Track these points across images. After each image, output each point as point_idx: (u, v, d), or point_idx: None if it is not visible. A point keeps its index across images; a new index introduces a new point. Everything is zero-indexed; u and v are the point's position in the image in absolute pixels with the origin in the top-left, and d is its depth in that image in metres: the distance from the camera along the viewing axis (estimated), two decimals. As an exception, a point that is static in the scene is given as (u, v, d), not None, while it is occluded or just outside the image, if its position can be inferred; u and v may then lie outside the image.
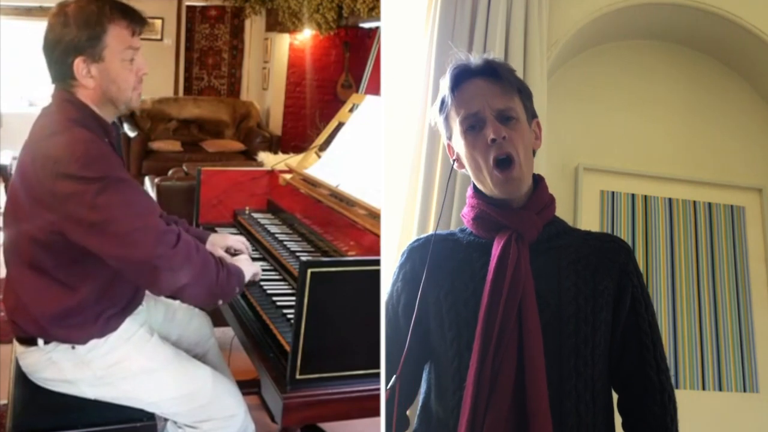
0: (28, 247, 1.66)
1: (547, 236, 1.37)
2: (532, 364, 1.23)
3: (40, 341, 1.70)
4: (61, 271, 1.65)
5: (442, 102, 1.41)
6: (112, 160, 1.60)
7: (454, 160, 1.44)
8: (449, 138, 1.43)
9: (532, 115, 1.42)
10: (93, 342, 1.70)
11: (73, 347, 1.70)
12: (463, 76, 1.38)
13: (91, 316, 1.69)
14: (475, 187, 1.41)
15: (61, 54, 1.64)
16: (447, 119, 1.41)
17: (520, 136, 1.35)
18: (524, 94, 1.41)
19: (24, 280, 1.69)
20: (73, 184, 1.54)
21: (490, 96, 1.35)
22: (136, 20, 1.70)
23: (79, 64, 1.63)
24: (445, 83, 1.39)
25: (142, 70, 1.72)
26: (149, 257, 1.55)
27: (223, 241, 2.12)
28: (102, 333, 1.71)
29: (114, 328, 1.74)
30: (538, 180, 1.42)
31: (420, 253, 1.42)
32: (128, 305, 1.77)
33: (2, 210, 1.81)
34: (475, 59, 1.40)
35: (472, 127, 1.35)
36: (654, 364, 1.36)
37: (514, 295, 1.27)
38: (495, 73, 1.37)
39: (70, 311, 1.67)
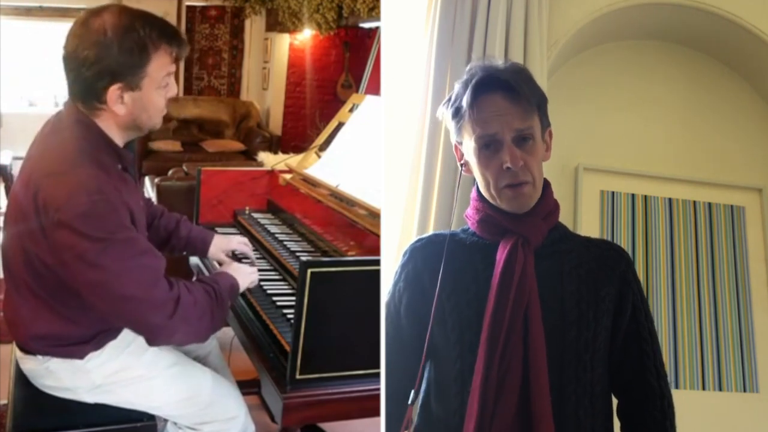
0: (23, 271, 1.61)
1: (551, 241, 1.37)
2: (536, 369, 1.24)
3: (38, 354, 1.68)
4: (58, 302, 1.60)
5: (457, 110, 1.35)
6: (118, 217, 1.48)
7: (462, 164, 1.41)
8: (459, 142, 1.40)
9: (546, 125, 1.39)
10: (91, 353, 1.68)
11: (71, 359, 1.68)
12: (482, 89, 1.32)
13: (87, 337, 1.67)
14: (479, 189, 1.40)
15: (94, 76, 1.49)
16: (460, 129, 1.37)
17: (535, 159, 1.33)
18: (542, 107, 1.37)
19: (21, 302, 1.65)
20: (74, 238, 1.45)
21: (509, 117, 1.30)
22: (179, 45, 1.58)
23: (114, 92, 1.51)
24: (465, 95, 1.33)
25: (172, 92, 1.62)
26: (144, 323, 1.53)
27: (227, 245, 2.08)
28: (99, 346, 1.69)
29: (112, 338, 1.72)
30: (545, 185, 1.40)
31: (422, 253, 1.42)
32: None
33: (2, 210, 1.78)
34: (496, 70, 1.34)
35: (487, 146, 1.32)
36: (654, 370, 1.37)
37: (521, 300, 1.27)
38: (515, 90, 1.32)
39: (66, 336, 1.65)
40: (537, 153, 1.34)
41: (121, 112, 1.55)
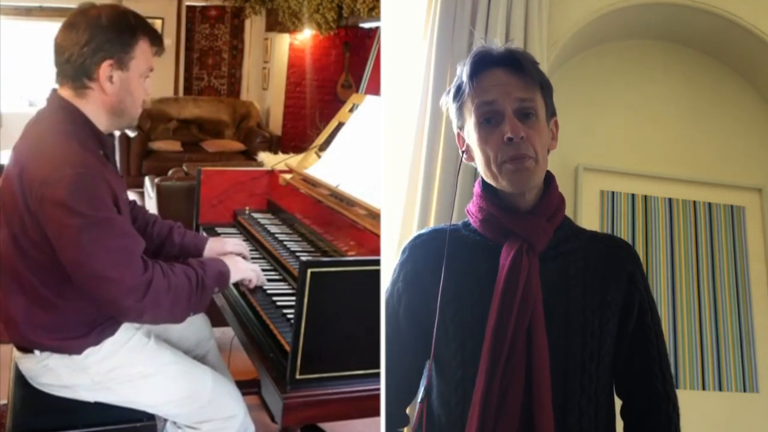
0: (18, 264, 1.64)
1: (555, 242, 1.31)
2: (539, 382, 1.20)
3: (36, 351, 1.69)
4: (50, 290, 1.63)
5: (458, 88, 1.32)
6: (101, 194, 1.55)
7: (463, 152, 1.36)
8: (460, 128, 1.35)
9: (551, 112, 1.34)
10: (89, 349, 1.69)
11: (70, 354, 1.69)
12: (483, 64, 1.29)
13: (84, 330, 1.68)
14: (483, 183, 1.35)
15: (88, 53, 1.61)
16: (461, 108, 1.33)
17: (538, 134, 1.27)
18: (546, 89, 1.32)
19: (14, 297, 1.67)
20: (59, 212, 1.51)
21: (510, 88, 1.26)
22: (159, 44, 1.73)
23: (105, 67, 1.62)
24: (464, 70, 1.30)
25: (149, 91, 1.74)
26: (115, 304, 1.57)
27: (221, 248, 2.06)
28: (97, 341, 1.70)
29: (110, 334, 1.72)
30: (548, 180, 1.35)
31: (422, 251, 1.36)
32: None
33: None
34: (497, 47, 1.31)
35: (488, 121, 1.27)
36: (660, 375, 1.34)
37: (525, 312, 1.22)
38: (518, 64, 1.27)
39: (62, 328, 1.66)
40: (540, 131, 1.28)
41: (109, 91, 1.64)
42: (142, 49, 1.67)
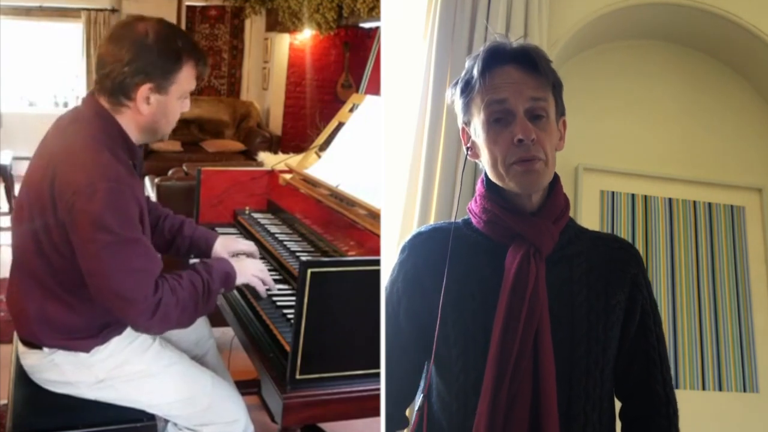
0: (36, 263, 1.65)
1: (560, 244, 1.29)
2: (545, 390, 1.18)
3: (45, 347, 1.70)
4: (66, 293, 1.64)
5: (467, 83, 1.28)
6: (131, 212, 1.56)
7: (467, 148, 1.32)
8: (466, 123, 1.31)
9: (561, 112, 1.31)
10: (96, 347, 1.70)
11: (77, 352, 1.70)
12: (496, 60, 1.24)
13: (94, 331, 1.69)
14: (486, 183, 1.31)
15: (129, 73, 1.59)
16: (469, 103, 1.28)
17: (548, 136, 1.24)
18: (557, 88, 1.29)
19: (30, 293, 1.68)
20: (87, 224, 1.51)
21: (523, 86, 1.23)
22: (204, 65, 1.70)
23: (144, 90, 1.61)
24: (475, 64, 1.26)
25: (186, 108, 1.73)
26: (126, 319, 1.61)
27: (233, 245, 2.06)
28: (105, 340, 1.72)
29: (117, 333, 1.74)
30: (553, 181, 1.31)
31: (423, 249, 1.33)
32: None
33: (6, 210, 1.80)
34: (511, 42, 1.27)
35: (498, 121, 1.24)
36: (660, 378, 1.33)
37: (531, 320, 1.20)
38: (532, 61, 1.24)
39: (74, 328, 1.67)
40: (550, 132, 1.25)
41: (144, 112, 1.64)
42: (186, 73, 1.65)
